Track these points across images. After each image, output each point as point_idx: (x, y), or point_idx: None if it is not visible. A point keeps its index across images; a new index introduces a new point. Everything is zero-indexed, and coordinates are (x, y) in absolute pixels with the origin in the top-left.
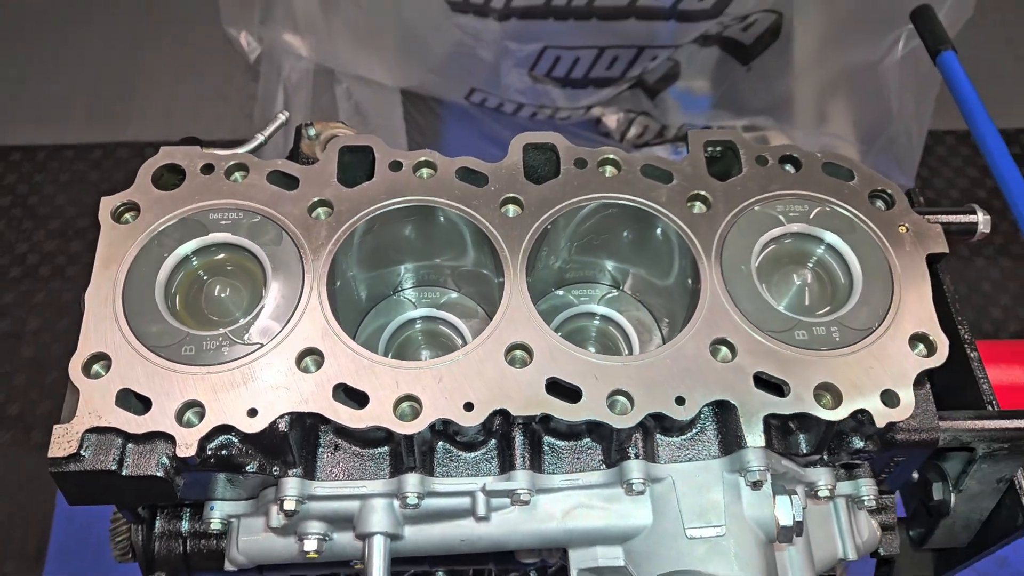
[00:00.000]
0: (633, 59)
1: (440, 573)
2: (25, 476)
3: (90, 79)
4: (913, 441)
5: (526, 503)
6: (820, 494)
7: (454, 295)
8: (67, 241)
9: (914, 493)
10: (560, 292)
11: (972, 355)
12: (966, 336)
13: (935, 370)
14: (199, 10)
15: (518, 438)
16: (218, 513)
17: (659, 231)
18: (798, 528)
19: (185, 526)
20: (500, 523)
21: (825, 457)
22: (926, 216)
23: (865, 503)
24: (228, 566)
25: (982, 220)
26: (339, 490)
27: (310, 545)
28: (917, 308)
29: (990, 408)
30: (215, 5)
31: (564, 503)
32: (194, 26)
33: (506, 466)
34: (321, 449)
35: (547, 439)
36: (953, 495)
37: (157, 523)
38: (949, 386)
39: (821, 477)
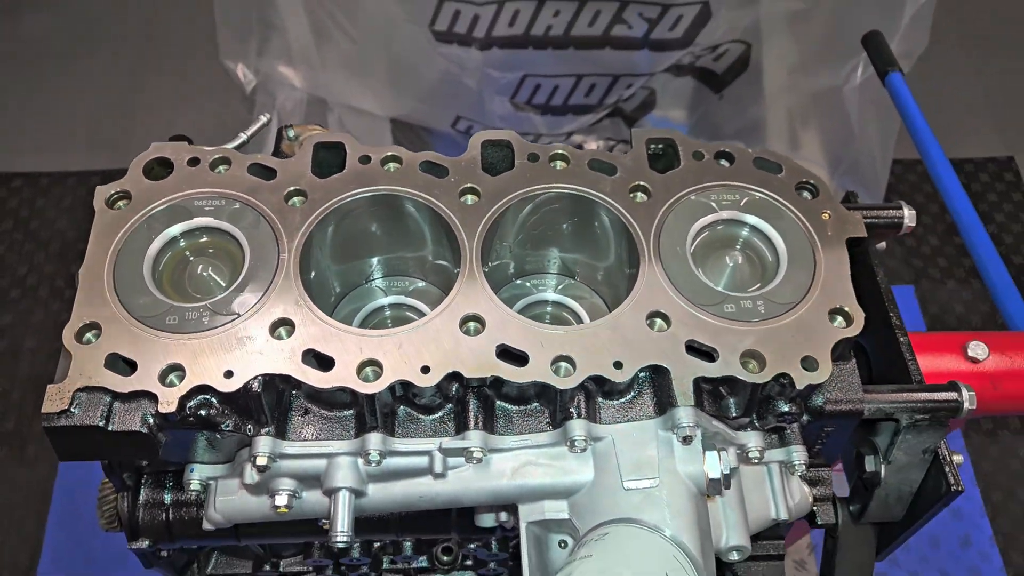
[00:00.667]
0: (610, 87)
1: (408, 543)
2: (19, 490)
3: (92, 109)
4: (840, 411)
5: (479, 460)
6: (751, 455)
7: (421, 284)
8: (67, 264)
9: (852, 470)
10: (518, 281)
11: (902, 340)
12: (896, 322)
13: (869, 354)
14: (198, 44)
15: (472, 402)
16: (197, 475)
17: (604, 218)
18: (726, 481)
19: (168, 497)
20: (456, 480)
21: (755, 421)
22: (854, 210)
23: (796, 468)
24: (206, 525)
25: (907, 215)
26: (308, 449)
27: (280, 500)
28: (837, 286)
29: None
30: (214, 40)
31: (514, 461)
32: (193, 59)
33: (461, 427)
34: (292, 413)
35: (499, 404)
36: (883, 466)
37: (142, 493)
38: (881, 369)
39: (751, 440)
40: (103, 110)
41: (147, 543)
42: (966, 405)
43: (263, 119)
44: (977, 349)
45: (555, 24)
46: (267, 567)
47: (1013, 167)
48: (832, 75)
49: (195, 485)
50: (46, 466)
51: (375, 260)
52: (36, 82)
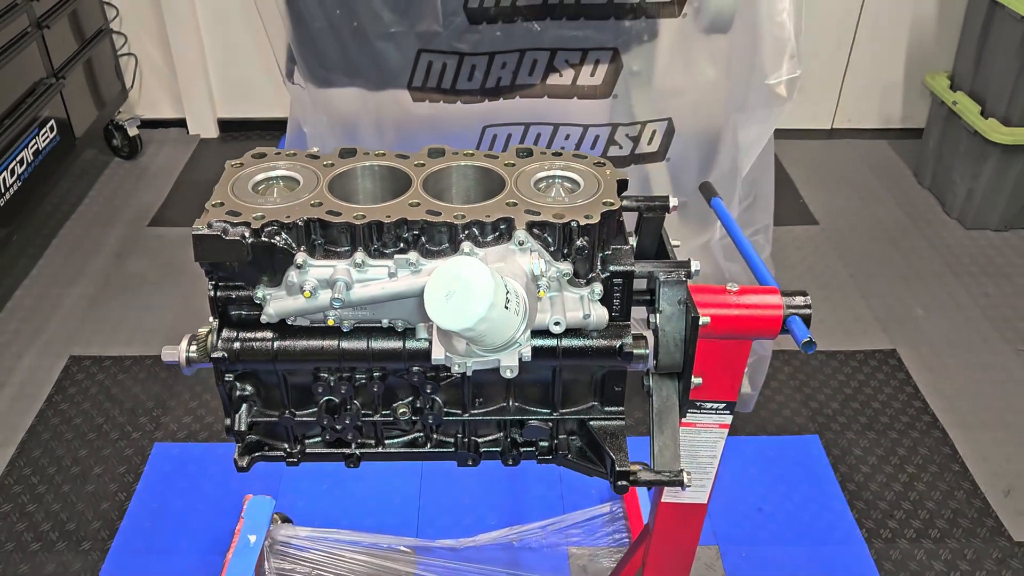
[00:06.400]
0: None
1: (377, 380)
2: (71, 573)
3: (171, 316)
4: (622, 271)
5: (414, 268)
6: (564, 275)
7: None
8: (136, 417)
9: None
10: None
11: (670, 251)
12: (672, 255)
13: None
14: None
15: (412, 242)
16: (261, 291)
17: (491, 178)
18: (541, 270)
19: (237, 339)
20: (402, 278)
21: (564, 257)
22: (637, 201)
23: (596, 294)
24: (263, 319)
25: (672, 201)
26: (323, 263)
27: (308, 287)
28: (608, 195)
29: None
30: None
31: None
32: None
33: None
34: (316, 249)
35: (426, 246)
36: (658, 316)
37: (223, 332)
38: None
39: (565, 266)
40: (180, 317)
41: (223, 355)
42: (694, 267)
43: (314, 151)
44: (733, 286)
45: None
46: (287, 414)
47: (896, 356)
48: (705, 235)
49: (260, 294)
50: (97, 554)
51: None
52: (132, 301)
